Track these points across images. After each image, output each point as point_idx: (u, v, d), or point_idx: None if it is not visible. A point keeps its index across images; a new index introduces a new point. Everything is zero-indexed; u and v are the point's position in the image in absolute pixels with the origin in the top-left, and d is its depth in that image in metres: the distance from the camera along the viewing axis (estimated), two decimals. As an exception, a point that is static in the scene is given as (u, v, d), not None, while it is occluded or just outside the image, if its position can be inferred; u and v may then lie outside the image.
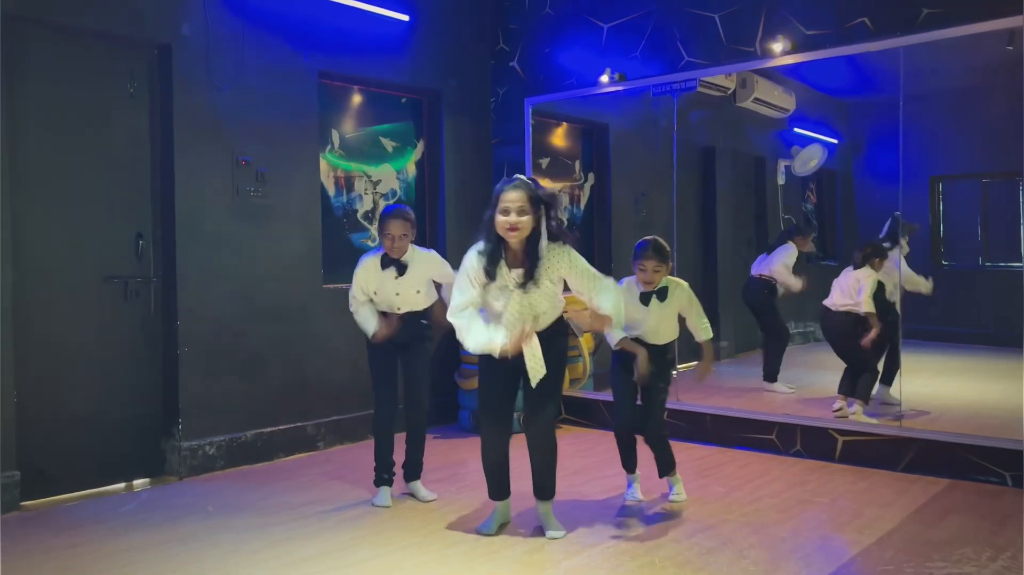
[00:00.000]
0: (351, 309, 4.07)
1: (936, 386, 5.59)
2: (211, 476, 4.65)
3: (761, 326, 6.27)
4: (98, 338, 4.42)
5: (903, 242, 5.27)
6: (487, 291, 3.44)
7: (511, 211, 3.30)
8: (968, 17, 4.29)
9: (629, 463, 4.09)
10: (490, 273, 3.38)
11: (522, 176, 3.45)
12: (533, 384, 3.44)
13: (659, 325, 3.95)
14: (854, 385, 5.12)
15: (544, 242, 3.38)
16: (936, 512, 3.82)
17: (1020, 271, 5.97)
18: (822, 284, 6.48)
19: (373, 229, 5.75)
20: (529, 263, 3.37)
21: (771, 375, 5.95)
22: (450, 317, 3.46)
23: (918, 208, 6.26)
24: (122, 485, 4.49)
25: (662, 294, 3.91)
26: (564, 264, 3.42)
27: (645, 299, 3.91)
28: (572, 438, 5.41)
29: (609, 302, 3.48)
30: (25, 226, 4.12)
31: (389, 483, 4.09)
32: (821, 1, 4.78)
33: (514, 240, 3.35)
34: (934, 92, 5.88)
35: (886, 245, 5.35)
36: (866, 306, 5.18)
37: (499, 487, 3.63)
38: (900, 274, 5.14)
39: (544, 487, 3.58)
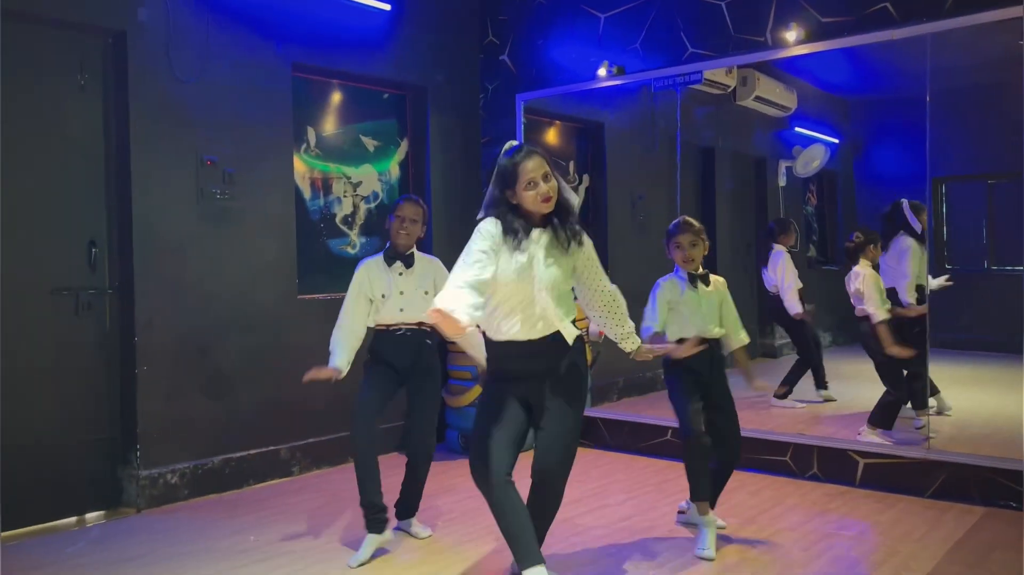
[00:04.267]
0: (338, 324, 3.63)
1: (950, 400, 5.21)
2: (174, 507, 4.22)
3: (792, 341, 5.96)
4: (46, 357, 3.99)
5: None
6: (501, 266, 2.78)
7: (538, 182, 2.78)
8: (1000, 1, 3.93)
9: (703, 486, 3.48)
10: (517, 231, 2.78)
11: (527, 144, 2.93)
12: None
13: (712, 313, 3.55)
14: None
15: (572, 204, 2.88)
16: (978, 548, 3.43)
17: (1029, 275, 5.78)
18: (822, 290, 6.18)
19: (353, 235, 5.34)
20: (561, 220, 2.85)
21: (821, 383, 5.62)
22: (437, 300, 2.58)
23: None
24: (74, 519, 4.06)
25: (705, 278, 3.56)
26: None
27: (693, 282, 3.54)
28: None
29: (618, 299, 3.05)
30: (-40, 233, 3.70)
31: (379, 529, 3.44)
32: (838, -15, 4.43)
33: (547, 210, 2.84)
34: (938, 90, 5.69)
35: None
36: (876, 310, 4.79)
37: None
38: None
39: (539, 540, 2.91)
